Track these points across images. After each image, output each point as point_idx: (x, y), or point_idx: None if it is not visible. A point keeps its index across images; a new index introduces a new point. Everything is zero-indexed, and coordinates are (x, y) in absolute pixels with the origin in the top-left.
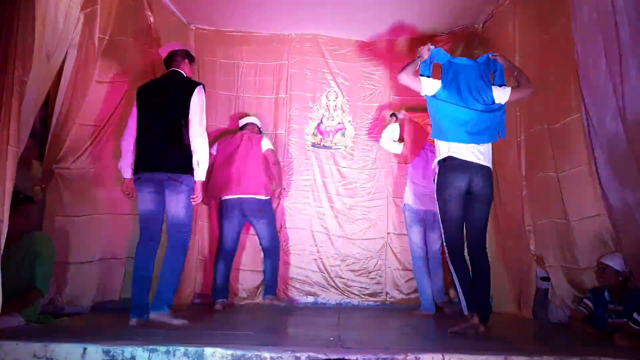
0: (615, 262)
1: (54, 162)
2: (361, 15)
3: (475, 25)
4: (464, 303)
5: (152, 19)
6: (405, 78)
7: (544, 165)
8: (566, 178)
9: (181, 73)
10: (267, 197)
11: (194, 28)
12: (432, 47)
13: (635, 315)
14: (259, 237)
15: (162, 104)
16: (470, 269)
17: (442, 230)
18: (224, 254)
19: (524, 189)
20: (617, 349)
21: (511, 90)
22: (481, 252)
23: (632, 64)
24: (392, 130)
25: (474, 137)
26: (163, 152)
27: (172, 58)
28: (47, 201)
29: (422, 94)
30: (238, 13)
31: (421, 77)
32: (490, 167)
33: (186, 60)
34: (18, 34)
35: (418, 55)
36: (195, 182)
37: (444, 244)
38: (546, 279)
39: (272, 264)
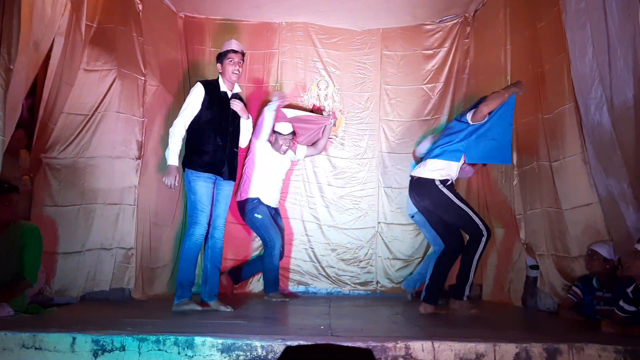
0: (604, 250)
1: (42, 152)
2: (352, 4)
3: (466, 15)
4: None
5: (140, 7)
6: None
7: (537, 154)
8: (559, 167)
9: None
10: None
11: (183, 16)
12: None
13: (621, 303)
14: None
15: None
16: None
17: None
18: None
19: (514, 178)
20: (603, 336)
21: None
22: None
23: (620, 53)
24: None
25: None
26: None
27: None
28: (35, 191)
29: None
30: (227, 1)
31: None
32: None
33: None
34: (3, 21)
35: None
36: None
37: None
38: (535, 267)
39: (264, 263)
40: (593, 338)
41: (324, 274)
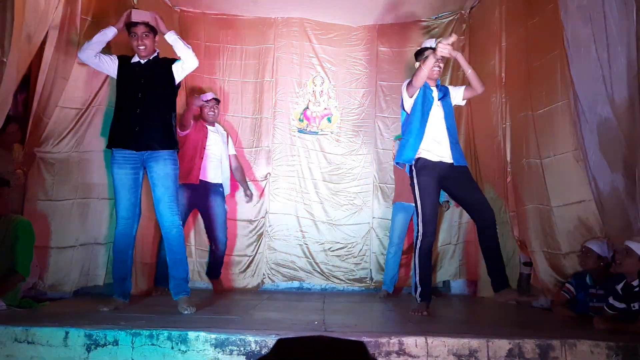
0: (598, 247)
1: (36, 146)
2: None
3: (462, 11)
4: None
5: (135, 0)
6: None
7: (529, 151)
8: (550, 164)
9: None
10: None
11: (179, 10)
12: None
13: (610, 300)
14: None
15: None
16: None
17: None
18: None
19: (508, 176)
20: (595, 333)
21: None
22: None
23: (620, 51)
24: None
25: None
26: None
27: None
28: (29, 185)
29: None
30: None
31: None
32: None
33: None
34: None
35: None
36: None
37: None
38: (528, 264)
39: None
40: (586, 334)
41: (318, 270)
